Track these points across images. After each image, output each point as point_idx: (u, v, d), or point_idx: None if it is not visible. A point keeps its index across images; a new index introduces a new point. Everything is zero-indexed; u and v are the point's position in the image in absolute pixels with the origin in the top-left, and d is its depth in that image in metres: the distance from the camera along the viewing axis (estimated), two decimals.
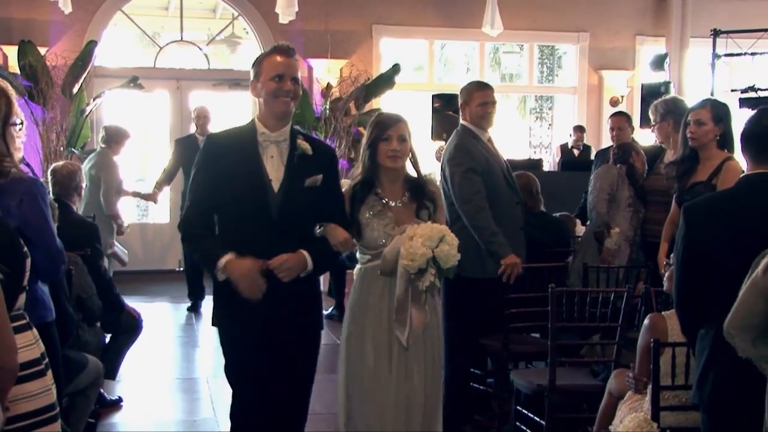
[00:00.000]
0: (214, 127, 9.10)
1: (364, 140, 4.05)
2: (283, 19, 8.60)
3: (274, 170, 3.52)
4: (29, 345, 2.87)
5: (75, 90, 10.02)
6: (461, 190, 5.08)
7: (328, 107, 10.81)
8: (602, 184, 6.19)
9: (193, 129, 9.19)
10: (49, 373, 2.96)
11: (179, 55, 11.55)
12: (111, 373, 5.56)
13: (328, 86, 10.96)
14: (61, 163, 6.46)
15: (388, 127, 3.95)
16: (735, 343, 2.76)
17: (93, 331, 5.27)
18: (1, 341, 2.55)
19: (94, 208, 7.79)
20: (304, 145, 3.56)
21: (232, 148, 3.53)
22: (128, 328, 5.73)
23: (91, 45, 10.12)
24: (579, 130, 11.68)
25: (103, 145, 8.40)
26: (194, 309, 8.86)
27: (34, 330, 2.94)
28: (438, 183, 3.96)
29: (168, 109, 11.37)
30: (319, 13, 11.07)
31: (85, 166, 8.06)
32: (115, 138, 8.37)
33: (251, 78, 3.60)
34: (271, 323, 3.54)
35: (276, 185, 3.50)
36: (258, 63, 3.59)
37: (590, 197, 6.25)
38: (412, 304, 3.82)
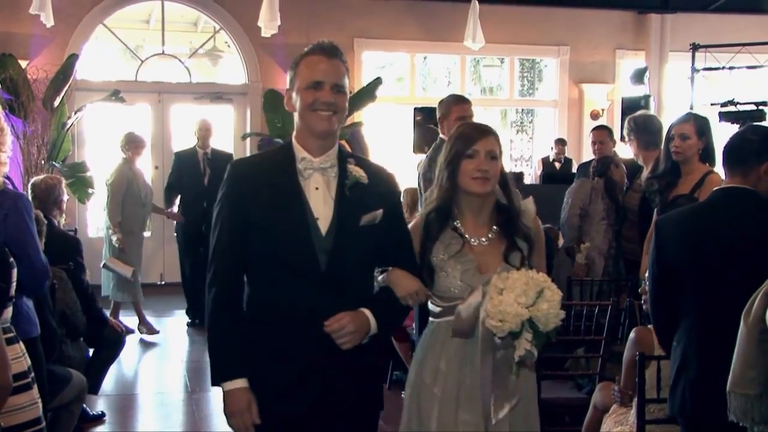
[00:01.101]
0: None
1: (441, 157, 3.19)
2: (266, 33, 8.61)
3: (321, 206, 2.75)
4: (17, 358, 2.88)
5: (56, 103, 9.96)
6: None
7: None
8: (574, 199, 6.25)
9: (175, 141, 9.17)
10: (35, 386, 2.96)
11: (161, 69, 11.52)
12: (94, 387, 5.53)
13: None
14: (41, 177, 6.42)
15: (474, 141, 3.08)
16: (732, 407, 2.68)
17: (77, 346, 5.24)
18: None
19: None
20: (357, 171, 2.81)
21: (265, 179, 2.75)
22: (111, 342, 5.70)
23: (73, 58, 10.07)
24: (560, 143, 11.75)
25: (122, 153, 8.53)
26: (194, 325, 8.80)
27: (21, 344, 2.95)
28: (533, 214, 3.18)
29: (150, 122, 11.32)
30: (300, 26, 11.08)
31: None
32: (127, 144, 8.45)
33: (287, 85, 2.86)
34: (317, 409, 2.74)
35: (324, 226, 2.74)
36: (294, 66, 2.84)
37: (563, 213, 6.30)
38: (496, 381, 2.94)
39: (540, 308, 2.77)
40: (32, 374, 2.96)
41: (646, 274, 3.45)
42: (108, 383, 5.94)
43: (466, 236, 3.09)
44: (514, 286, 2.78)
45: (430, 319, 3.16)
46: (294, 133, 2.84)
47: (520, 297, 2.76)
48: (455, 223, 3.11)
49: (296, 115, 2.80)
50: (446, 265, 3.05)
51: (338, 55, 2.80)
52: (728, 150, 3.20)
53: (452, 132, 3.24)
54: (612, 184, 6.26)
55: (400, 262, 2.88)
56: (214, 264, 2.78)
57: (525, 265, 3.01)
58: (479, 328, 2.88)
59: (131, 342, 6.11)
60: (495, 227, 3.11)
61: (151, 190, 8.56)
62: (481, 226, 3.12)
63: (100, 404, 6.00)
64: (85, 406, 5.34)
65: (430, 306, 3.13)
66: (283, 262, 2.72)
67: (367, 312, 2.72)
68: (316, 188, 2.76)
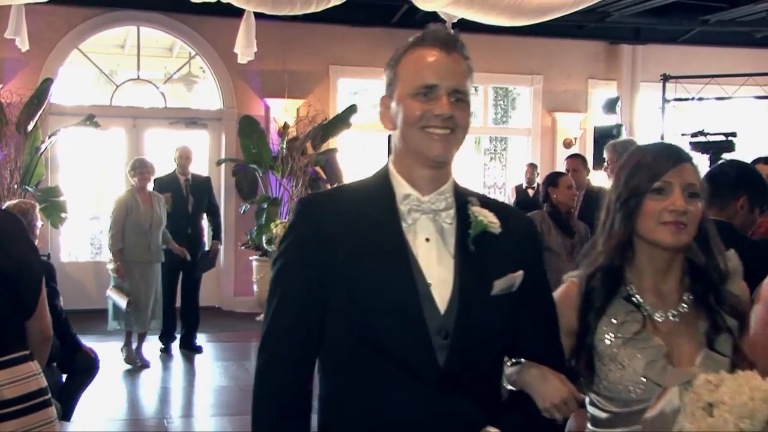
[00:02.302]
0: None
1: (612, 192, 2.25)
2: (242, 59, 8.65)
3: (434, 267, 1.92)
4: (34, 375, 2.94)
5: (30, 127, 9.94)
6: None
7: (285, 147, 10.85)
8: None
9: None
10: (53, 406, 3.03)
11: (136, 94, 11.52)
12: (67, 414, 5.48)
13: (285, 126, 11.01)
14: (13, 201, 6.39)
15: (663, 169, 2.16)
16: None
17: (49, 372, 5.17)
18: (45, 316, 3.01)
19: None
20: (484, 215, 1.97)
21: (353, 226, 1.93)
22: (84, 368, 5.66)
23: (47, 82, 10.06)
24: (531, 167, 11.84)
25: (130, 180, 8.47)
26: (166, 351, 8.77)
27: (36, 362, 2.99)
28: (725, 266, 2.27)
29: (124, 148, 11.30)
30: (276, 53, 11.13)
31: None
32: (132, 171, 8.32)
33: (384, 91, 2.06)
34: None
35: (441, 296, 1.90)
36: (394, 63, 2.04)
37: None
38: None
39: None
40: (49, 393, 3.02)
41: None
42: (80, 409, 5.89)
43: (648, 309, 2.17)
44: (733, 402, 1.75)
45: (590, 427, 2.25)
46: (391, 159, 2.04)
47: (743, 420, 1.75)
48: (630, 290, 2.19)
49: (395, 135, 2.01)
50: (620, 353, 2.13)
51: (459, 47, 2.00)
52: (707, 182, 3.26)
53: (627, 157, 2.29)
54: (555, 209, 5.92)
55: (541, 350, 2.02)
56: (269, 350, 1.97)
57: (739, 354, 2.13)
58: None
59: (105, 368, 6.07)
60: (688, 296, 2.20)
61: (160, 218, 8.26)
62: (668, 294, 2.20)
63: (72, 430, 5.95)
64: None
65: (590, 410, 2.24)
66: (380, 353, 1.88)
67: None
68: (426, 239, 1.94)
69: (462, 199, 2.01)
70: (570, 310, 2.18)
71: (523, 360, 1.99)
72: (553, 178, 6.20)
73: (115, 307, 8.08)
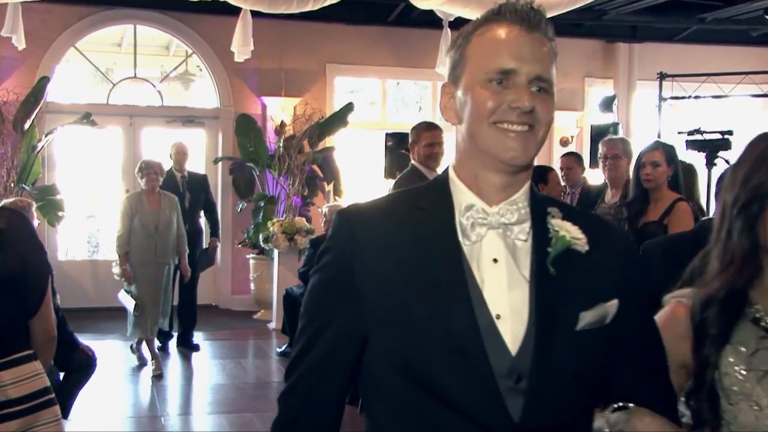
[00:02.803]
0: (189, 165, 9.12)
1: (726, 193, 1.84)
2: (239, 58, 8.65)
3: (504, 295, 1.57)
4: (37, 375, 2.95)
5: (26, 126, 9.94)
6: None
7: (281, 145, 10.84)
8: None
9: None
10: (57, 404, 3.04)
11: (132, 92, 11.52)
12: (64, 411, 5.48)
13: (282, 124, 11.01)
14: (10, 200, 6.40)
15: None
16: None
17: (47, 370, 5.20)
18: (50, 317, 3.03)
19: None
20: (567, 229, 1.61)
21: (403, 243, 1.61)
22: (82, 366, 5.67)
23: (44, 81, 10.06)
24: None
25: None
26: (164, 349, 8.75)
27: (39, 361, 3.00)
28: None
29: (121, 146, 11.30)
30: (273, 51, 11.13)
31: None
32: (139, 172, 8.05)
33: (447, 77, 1.69)
34: None
35: (513, 331, 1.55)
36: (460, 44, 1.65)
37: None
38: None
39: None
40: (53, 393, 3.04)
41: None
42: (78, 407, 5.89)
43: None
44: None
45: None
46: (453, 162, 1.69)
47: None
48: (757, 312, 1.77)
49: (459, 131, 1.66)
50: (755, 391, 1.72)
51: (543, 24, 1.62)
52: (720, 181, 3.24)
53: (746, 152, 1.85)
54: None
55: (646, 395, 1.64)
56: (297, 386, 1.70)
57: None
58: None
59: (102, 366, 6.08)
60: None
61: (168, 220, 7.96)
62: None
63: (70, 429, 5.96)
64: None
65: None
66: (438, 401, 1.54)
67: None
68: (494, 260, 1.57)
69: (539, 209, 1.63)
70: (679, 341, 1.77)
71: (631, 405, 1.60)
72: (543, 174, 6.15)
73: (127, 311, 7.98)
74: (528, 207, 1.63)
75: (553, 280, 1.56)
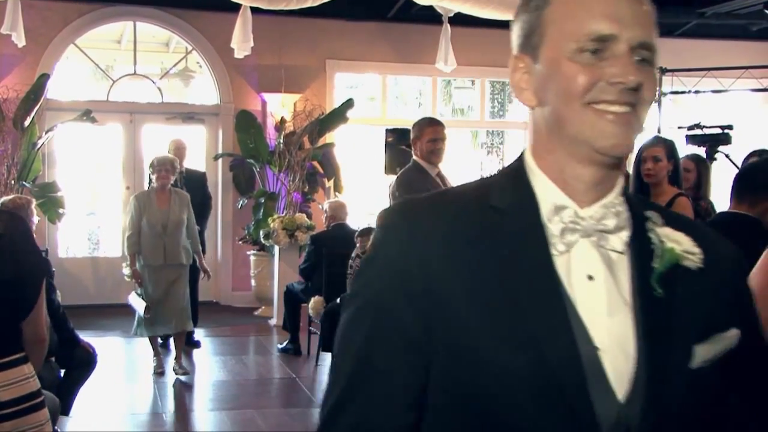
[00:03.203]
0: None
1: None
2: (239, 54, 8.65)
3: (604, 321, 1.23)
4: (27, 378, 2.95)
5: (27, 123, 9.94)
6: None
7: (281, 141, 10.84)
8: None
9: (147, 161, 9.12)
10: (46, 408, 3.05)
11: (132, 89, 11.52)
12: (65, 408, 5.50)
13: (282, 120, 11.00)
14: (9, 197, 6.39)
15: None
16: None
17: (48, 367, 5.20)
18: (40, 320, 2.98)
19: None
20: (677, 240, 1.29)
21: (471, 252, 1.24)
22: (83, 363, 5.67)
23: (44, 78, 10.07)
24: None
25: None
26: (165, 345, 8.73)
27: (30, 364, 3.01)
28: None
29: (121, 143, 11.30)
30: (273, 47, 11.12)
31: None
32: (150, 169, 7.74)
33: (514, 50, 1.37)
34: None
35: (616, 368, 1.22)
36: (540, 4, 1.31)
37: None
38: None
39: None
40: (42, 396, 3.05)
41: None
42: (78, 404, 5.90)
43: None
44: None
45: None
46: (530, 149, 1.35)
47: None
48: None
49: (540, 115, 1.33)
50: None
51: None
52: (741, 177, 3.24)
53: None
54: None
55: None
56: (338, 420, 1.27)
57: None
58: None
59: (103, 363, 6.08)
60: None
61: (178, 219, 7.59)
62: None
63: (71, 426, 5.97)
64: (56, 428, 5.31)
65: None
66: None
67: None
68: (589, 277, 1.24)
69: (637, 214, 1.30)
70: None
71: None
72: None
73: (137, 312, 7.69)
74: (627, 209, 1.29)
75: (660, 304, 1.24)
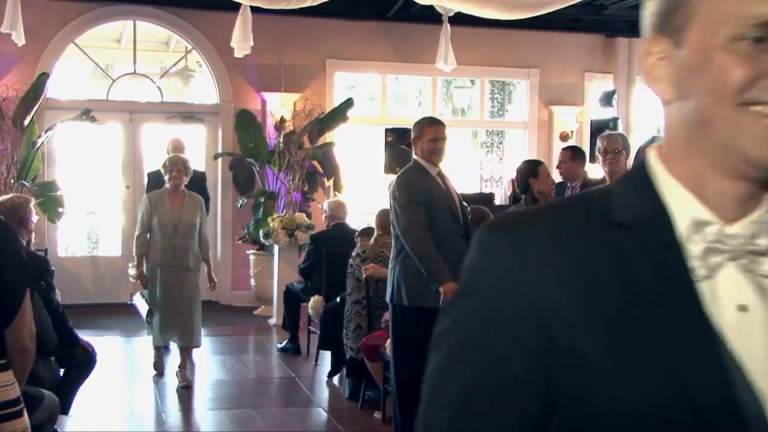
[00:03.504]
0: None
1: None
2: (239, 53, 8.63)
3: (763, 362, 0.99)
4: (10, 384, 2.92)
5: (26, 122, 9.93)
6: (403, 219, 5.20)
7: (281, 141, 10.83)
8: None
9: (146, 161, 9.13)
10: (26, 414, 3.02)
11: (132, 88, 11.51)
12: (65, 408, 5.47)
13: (282, 120, 10.99)
14: (8, 196, 6.37)
15: None
16: None
17: (48, 366, 5.20)
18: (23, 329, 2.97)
19: None
20: None
21: (593, 278, 1.01)
22: (82, 362, 5.65)
23: (43, 77, 10.06)
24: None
25: None
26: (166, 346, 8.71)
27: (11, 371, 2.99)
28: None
29: (121, 142, 11.30)
30: (273, 47, 11.11)
31: None
32: (163, 169, 7.37)
33: (648, 30, 1.13)
34: None
35: None
36: None
37: None
38: None
39: None
40: (22, 403, 3.03)
41: None
42: (78, 403, 5.88)
43: None
44: None
45: None
46: (660, 152, 1.11)
47: None
48: None
49: (678, 111, 1.08)
50: None
51: None
52: None
53: None
54: (536, 201, 5.87)
55: None
56: None
57: None
58: None
59: (102, 362, 6.07)
60: None
61: (190, 222, 7.26)
62: None
63: (70, 425, 5.95)
64: (56, 427, 5.30)
65: None
66: None
67: None
68: (741, 307, 1.03)
69: None
70: None
71: None
72: (533, 168, 6.05)
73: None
74: None
75: None
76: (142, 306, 7.35)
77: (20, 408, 2.99)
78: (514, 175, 12.02)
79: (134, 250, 7.36)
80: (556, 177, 7.32)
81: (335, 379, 7.35)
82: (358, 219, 9.58)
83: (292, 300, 8.48)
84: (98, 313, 10.14)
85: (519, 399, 1.02)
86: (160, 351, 7.59)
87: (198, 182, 9.08)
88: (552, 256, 1.03)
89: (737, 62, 0.99)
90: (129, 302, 7.73)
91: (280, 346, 8.56)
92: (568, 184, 7.03)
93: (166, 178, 7.28)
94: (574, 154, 7.11)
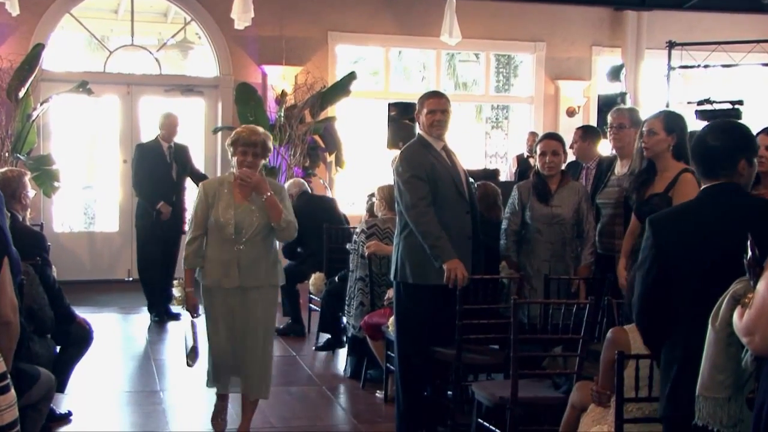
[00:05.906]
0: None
1: None
2: (239, 25, 8.48)
3: None
4: None
5: (21, 94, 9.76)
6: (406, 196, 5.06)
7: (282, 115, 10.67)
8: (506, 210, 5.90)
9: (144, 134, 8.95)
10: (12, 389, 2.89)
11: (130, 60, 11.32)
12: (60, 385, 5.35)
13: (283, 93, 10.82)
14: (2, 169, 6.22)
15: None
16: (701, 410, 2.75)
17: (44, 343, 5.08)
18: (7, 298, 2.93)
19: None
20: None
21: None
22: (78, 339, 5.53)
23: (38, 48, 9.87)
24: (533, 135, 11.62)
25: None
26: (160, 322, 8.55)
27: None
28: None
29: (118, 115, 11.11)
30: (274, 19, 10.93)
31: None
32: (230, 145, 5.17)
33: None
34: None
35: None
36: None
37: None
38: None
39: None
40: (8, 378, 2.90)
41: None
42: (74, 381, 5.76)
43: None
44: None
45: None
46: None
47: None
48: None
49: None
50: None
51: None
52: (700, 162, 3.14)
53: None
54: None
55: None
56: None
57: None
58: None
59: (99, 339, 5.94)
60: None
61: (263, 221, 5.01)
62: None
63: (66, 403, 5.83)
64: (52, 405, 5.18)
65: None
66: None
67: None
68: None
69: None
70: None
71: None
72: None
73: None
74: None
75: None
76: (187, 340, 5.54)
77: (7, 383, 2.87)
78: (519, 151, 11.91)
79: (184, 261, 5.19)
80: (570, 156, 7.04)
81: (339, 361, 7.23)
82: (360, 194, 9.43)
83: (291, 279, 8.29)
84: (95, 289, 10.02)
85: None
86: (224, 400, 5.51)
87: (184, 155, 8.84)
88: None
89: None
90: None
91: (280, 327, 8.34)
92: (583, 165, 6.85)
93: (234, 159, 5.17)
94: (584, 134, 6.90)
